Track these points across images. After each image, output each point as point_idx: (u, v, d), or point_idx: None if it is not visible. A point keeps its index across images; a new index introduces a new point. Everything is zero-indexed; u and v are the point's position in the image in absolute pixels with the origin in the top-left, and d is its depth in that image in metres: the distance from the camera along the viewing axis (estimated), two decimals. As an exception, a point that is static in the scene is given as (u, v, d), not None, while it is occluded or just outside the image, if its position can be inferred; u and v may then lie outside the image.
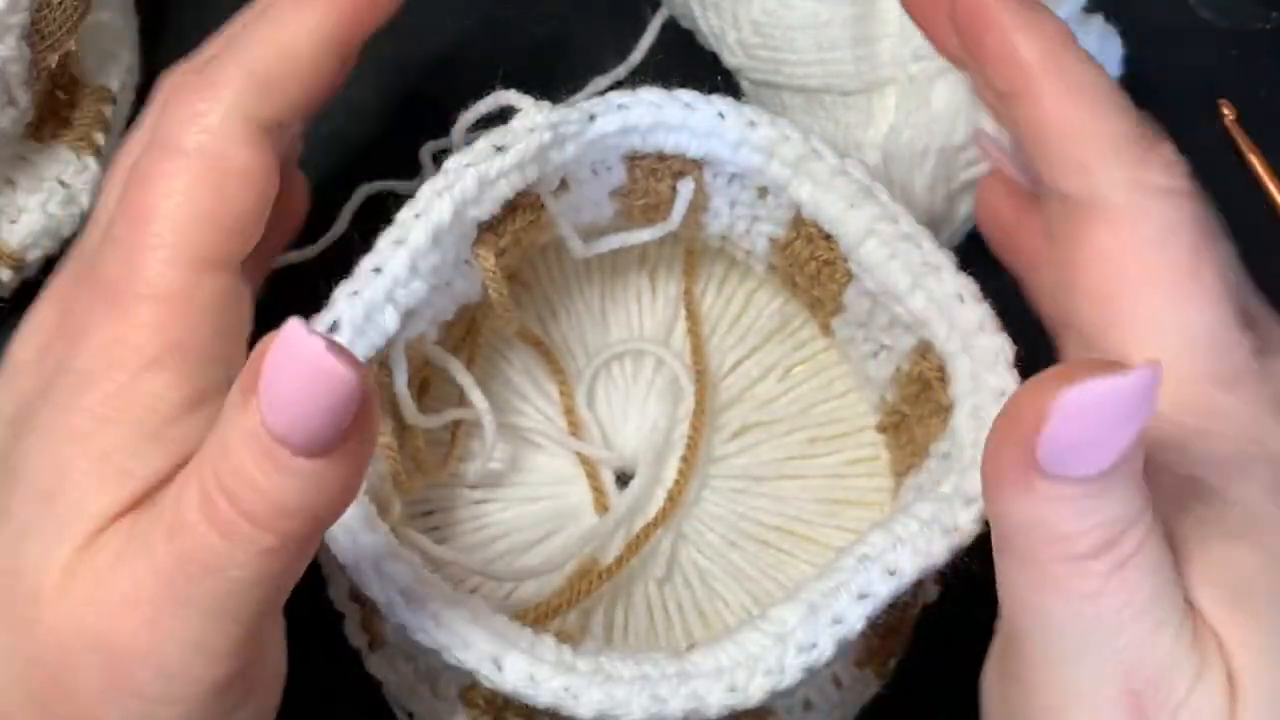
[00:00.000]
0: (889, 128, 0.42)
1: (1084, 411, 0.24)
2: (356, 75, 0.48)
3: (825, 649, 0.32)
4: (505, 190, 0.36)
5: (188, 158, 0.32)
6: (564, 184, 0.38)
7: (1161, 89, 0.49)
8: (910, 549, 0.32)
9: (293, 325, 0.25)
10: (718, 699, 0.31)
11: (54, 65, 0.42)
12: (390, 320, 0.35)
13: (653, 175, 0.38)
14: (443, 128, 0.47)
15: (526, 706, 0.32)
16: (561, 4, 0.50)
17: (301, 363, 0.25)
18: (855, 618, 0.32)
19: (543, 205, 0.38)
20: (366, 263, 0.35)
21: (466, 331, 0.41)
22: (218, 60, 0.34)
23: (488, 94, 0.38)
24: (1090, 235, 0.31)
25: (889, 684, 0.39)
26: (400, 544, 0.33)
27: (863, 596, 0.32)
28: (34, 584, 0.29)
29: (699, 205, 0.39)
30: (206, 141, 0.32)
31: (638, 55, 0.49)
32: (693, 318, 0.43)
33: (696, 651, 0.32)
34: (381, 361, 0.36)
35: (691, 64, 0.47)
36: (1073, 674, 0.27)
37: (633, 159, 0.38)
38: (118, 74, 0.46)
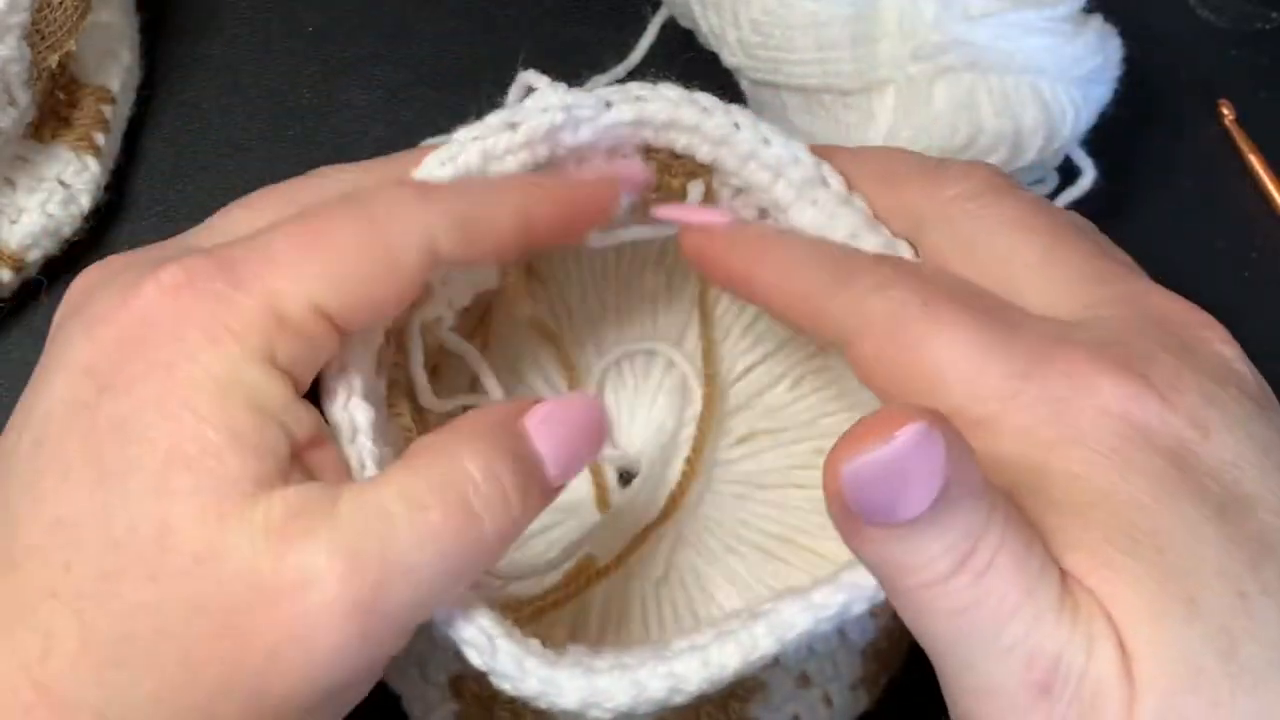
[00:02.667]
0: (887, 128, 0.42)
1: (868, 482, 0.25)
2: (356, 76, 0.49)
3: (797, 624, 0.31)
4: (512, 167, 0.35)
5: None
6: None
7: (1161, 89, 0.50)
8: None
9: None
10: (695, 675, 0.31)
11: (54, 65, 0.42)
12: None
13: (667, 171, 0.38)
14: (442, 127, 0.47)
15: (514, 700, 0.32)
16: (561, 4, 0.50)
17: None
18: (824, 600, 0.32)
19: None
20: None
21: (480, 320, 0.40)
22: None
23: (487, 95, 0.38)
24: (855, 357, 0.33)
25: (878, 700, 0.39)
26: None
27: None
28: (187, 542, 0.28)
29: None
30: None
31: (638, 55, 0.49)
32: (706, 321, 0.43)
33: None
34: (399, 344, 0.36)
35: (691, 64, 0.47)
36: (980, 679, 0.27)
37: (648, 151, 0.37)
38: (118, 74, 0.46)
